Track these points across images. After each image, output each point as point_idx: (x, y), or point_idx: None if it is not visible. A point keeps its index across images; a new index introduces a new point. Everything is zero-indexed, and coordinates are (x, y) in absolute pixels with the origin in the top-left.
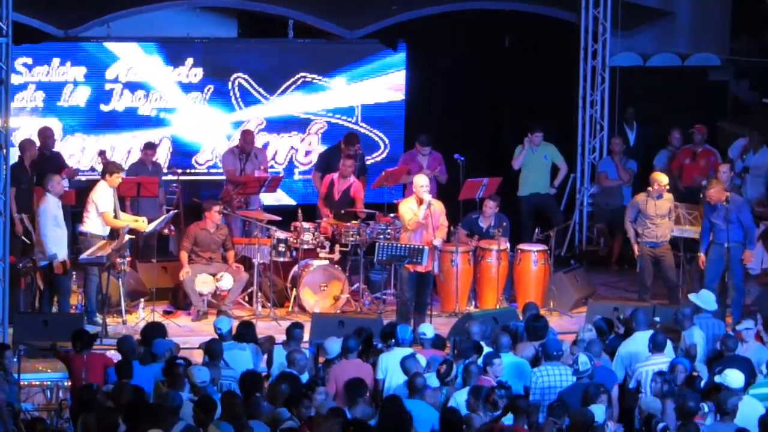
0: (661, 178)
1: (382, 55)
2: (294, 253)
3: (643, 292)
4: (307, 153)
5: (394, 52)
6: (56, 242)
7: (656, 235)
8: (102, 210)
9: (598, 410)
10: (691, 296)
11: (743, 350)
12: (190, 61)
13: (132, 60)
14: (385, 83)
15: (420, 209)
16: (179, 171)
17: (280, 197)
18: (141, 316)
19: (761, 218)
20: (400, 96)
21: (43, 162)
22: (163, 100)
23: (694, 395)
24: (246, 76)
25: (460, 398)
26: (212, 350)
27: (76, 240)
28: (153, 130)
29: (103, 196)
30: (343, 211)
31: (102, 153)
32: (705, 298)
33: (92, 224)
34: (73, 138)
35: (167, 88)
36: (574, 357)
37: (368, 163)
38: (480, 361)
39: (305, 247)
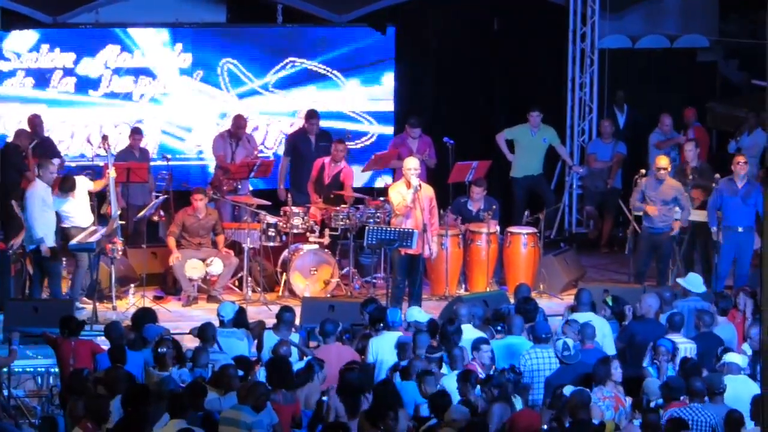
0: (659, 161)
1: (371, 38)
2: (284, 238)
3: (636, 275)
4: None
5: (383, 35)
6: (44, 226)
7: (652, 220)
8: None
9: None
10: (679, 279)
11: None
12: (179, 46)
13: (121, 46)
14: (374, 67)
15: (407, 193)
16: (168, 156)
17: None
18: (131, 302)
19: None
20: (389, 80)
21: (33, 148)
22: (152, 85)
23: (679, 380)
24: (235, 61)
25: (447, 382)
26: (205, 334)
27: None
28: (142, 116)
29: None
30: (332, 195)
31: (105, 138)
32: (693, 281)
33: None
34: (62, 124)
35: (156, 74)
36: (556, 338)
37: (357, 147)
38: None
39: (295, 231)
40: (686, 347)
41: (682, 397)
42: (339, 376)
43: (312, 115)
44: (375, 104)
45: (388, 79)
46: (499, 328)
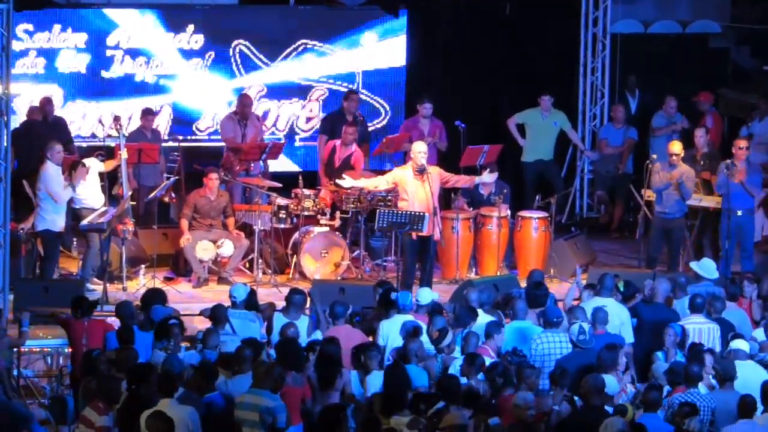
0: (672, 147)
1: (383, 21)
2: (295, 220)
3: (648, 261)
4: (308, 120)
5: (395, 18)
6: (63, 205)
7: (663, 205)
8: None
9: (611, 381)
10: (692, 264)
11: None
12: (191, 27)
13: (133, 26)
14: (386, 50)
15: (403, 176)
16: (180, 138)
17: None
18: (141, 283)
19: (762, 186)
20: (400, 63)
21: (45, 129)
22: (163, 66)
23: (682, 365)
24: (247, 43)
25: (458, 365)
26: (217, 316)
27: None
28: (154, 97)
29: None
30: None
31: (117, 119)
32: (706, 267)
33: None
34: (73, 105)
35: (168, 55)
36: (570, 323)
37: (369, 129)
38: (482, 330)
39: (306, 213)
40: (709, 327)
41: None
42: (320, 348)
43: (352, 93)
44: (386, 87)
45: (400, 62)
46: (510, 312)
